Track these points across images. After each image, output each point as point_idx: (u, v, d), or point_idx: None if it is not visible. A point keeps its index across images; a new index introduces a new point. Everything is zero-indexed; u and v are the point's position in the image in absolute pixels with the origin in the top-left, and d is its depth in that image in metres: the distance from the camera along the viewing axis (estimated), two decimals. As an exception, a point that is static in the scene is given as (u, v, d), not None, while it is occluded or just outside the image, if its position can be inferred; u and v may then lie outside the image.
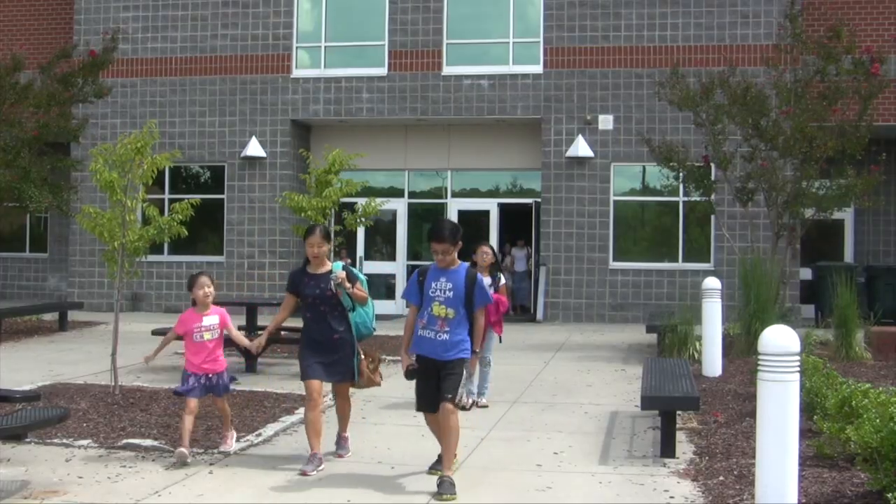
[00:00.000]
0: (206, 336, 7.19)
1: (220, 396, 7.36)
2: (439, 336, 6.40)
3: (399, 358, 7.50)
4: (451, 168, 20.03)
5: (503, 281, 9.50)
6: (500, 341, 9.58)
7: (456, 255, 6.53)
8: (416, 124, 19.88)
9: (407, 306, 7.06)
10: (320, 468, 6.76)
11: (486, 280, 9.01)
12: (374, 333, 7.42)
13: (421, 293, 6.52)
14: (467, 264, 6.63)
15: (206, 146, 19.95)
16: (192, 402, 7.16)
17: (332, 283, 6.84)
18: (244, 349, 11.40)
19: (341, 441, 7.34)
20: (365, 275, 7.68)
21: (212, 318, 7.24)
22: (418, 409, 6.64)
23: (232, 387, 7.57)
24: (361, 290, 7.04)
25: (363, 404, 9.15)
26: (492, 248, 9.52)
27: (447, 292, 6.42)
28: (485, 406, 9.25)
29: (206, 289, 7.20)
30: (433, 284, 6.49)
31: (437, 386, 6.40)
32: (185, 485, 6.50)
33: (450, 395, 6.33)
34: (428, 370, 6.46)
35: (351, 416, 7.46)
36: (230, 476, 6.74)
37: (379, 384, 7.39)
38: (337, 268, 6.97)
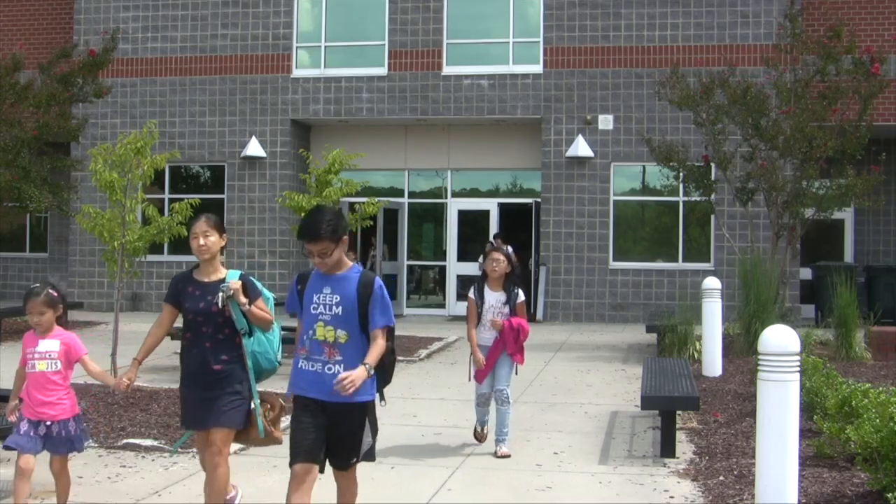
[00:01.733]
0: (40, 366, 5.47)
1: (58, 455, 5.49)
2: (329, 369, 4.62)
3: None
4: (451, 168, 20.01)
5: (521, 297, 7.49)
6: (517, 373, 7.84)
7: (342, 254, 4.69)
8: (416, 124, 19.88)
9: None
10: None
11: (499, 297, 7.43)
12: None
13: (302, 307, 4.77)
14: (360, 267, 4.83)
15: (206, 146, 19.95)
16: (24, 460, 5.30)
17: (220, 295, 5.14)
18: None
19: None
20: None
21: (50, 343, 5.51)
22: (292, 462, 4.62)
23: (85, 444, 5.72)
24: (263, 308, 5.27)
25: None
26: (507, 255, 7.50)
27: (333, 308, 4.64)
28: (506, 456, 7.31)
29: (43, 308, 5.66)
30: (314, 297, 4.68)
31: (324, 432, 4.63)
32: (185, 485, 6.50)
33: (355, 461, 4.75)
34: (314, 414, 4.65)
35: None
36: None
37: (279, 441, 5.40)
38: (233, 276, 5.26)
